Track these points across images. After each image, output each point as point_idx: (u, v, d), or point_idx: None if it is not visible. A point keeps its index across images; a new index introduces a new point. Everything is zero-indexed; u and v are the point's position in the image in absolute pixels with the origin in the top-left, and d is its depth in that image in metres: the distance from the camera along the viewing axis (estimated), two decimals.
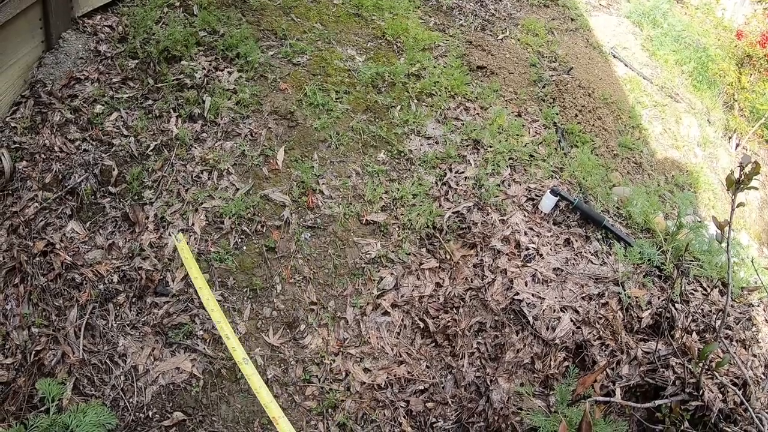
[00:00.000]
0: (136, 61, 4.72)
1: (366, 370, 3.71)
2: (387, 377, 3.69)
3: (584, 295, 3.86)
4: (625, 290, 3.89)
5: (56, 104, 4.34)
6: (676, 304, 3.87)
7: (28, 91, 4.39)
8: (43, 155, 4.12)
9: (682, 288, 3.93)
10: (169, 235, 3.97)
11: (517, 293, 3.83)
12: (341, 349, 3.75)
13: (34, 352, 3.52)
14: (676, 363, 3.55)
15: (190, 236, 3.96)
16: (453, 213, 4.30)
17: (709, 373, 3.44)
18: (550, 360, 3.64)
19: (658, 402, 3.40)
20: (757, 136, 7.20)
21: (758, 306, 4.09)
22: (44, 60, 4.53)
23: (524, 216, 4.27)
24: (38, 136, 4.19)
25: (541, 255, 4.05)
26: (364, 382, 3.65)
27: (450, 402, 3.67)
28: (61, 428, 2.98)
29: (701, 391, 3.38)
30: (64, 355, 3.54)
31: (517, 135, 4.92)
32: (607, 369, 3.62)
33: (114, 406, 3.44)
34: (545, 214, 4.33)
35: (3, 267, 3.73)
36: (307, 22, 5.55)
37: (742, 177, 2.80)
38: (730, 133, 7.13)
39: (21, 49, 4.32)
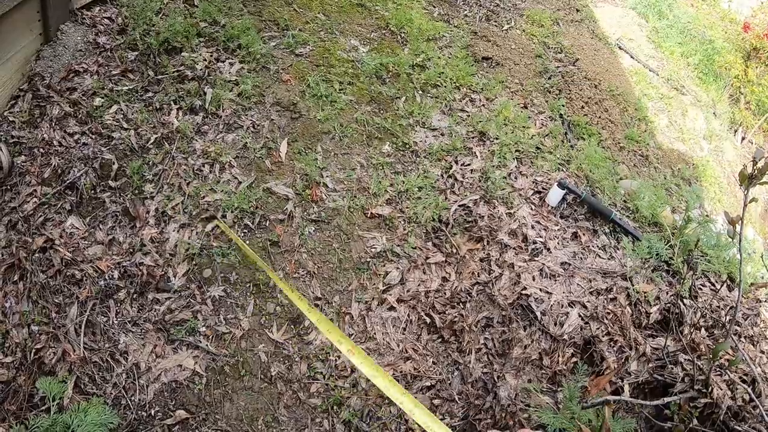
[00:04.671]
0: (136, 52, 4.65)
1: None
2: (393, 374, 3.63)
3: (592, 289, 3.81)
4: (633, 285, 3.84)
5: (55, 98, 4.28)
6: (685, 300, 3.83)
7: (27, 84, 4.32)
8: (41, 150, 4.06)
9: (691, 283, 3.89)
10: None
11: (525, 288, 3.78)
12: None
13: (34, 351, 3.46)
14: (685, 359, 3.51)
15: (191, 231, 3.90)
16: (459, 206, 4.25)
17: (717, 370, 3.40)
18: (558, 356, 3.60)
19: (667, 399, 3.36)
20: (762, 129, 7.17)
21: (767, 302, 4.05)
22: (42, 53, 4.46)
23: (531, 209, 4.21)
24: (37, 130, 4.13)
25: (548, 249, 3.99)
26: (370, 379, 3.60)
27: (457, 398, 3.63)
28: (62, 428, 2.95)
29: (710, 389, 3.33)
30: (65, 353, 3.48)
31: (524, 127, 4.87)
32: (616, 365, 3.58)
33: (116, 405, 3.39)
34: (552, 207, 4.28)
35: (2, 264, 3.67)
36: (309, 12, 5.48)
37: (756, 172, 2.75)
38: (736, 127, 7.10)
39: (19, 42, 4.26)
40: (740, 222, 2.93)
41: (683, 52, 7.27)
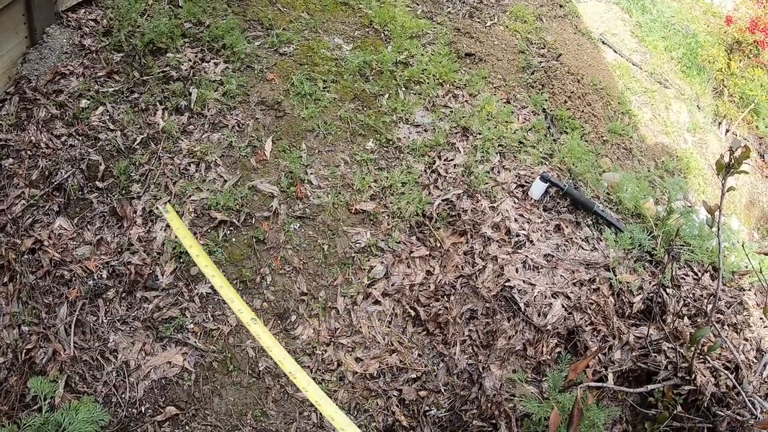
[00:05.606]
0: (122, 54, 4.68)
1: (358, 359, 3.70)
2: (379, 366, 3.68)
3: (575, 280, 3.86)
4: (616, 275, 3.89)
5: (41, 100, 4.30)
6: (668, 289, 3.87)
7: (13, 87, 4.34)
8: (29, 152, 4.08)
9: (673, 273, 3.94)
10: (156, 208, 3.97)
11: (508, 280, 3.82)
12: (333, 339, 3.74)
13: (24, 351, 3.49)
14: (668, 348, 3.56)
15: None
16: (442, 200, 4.29)
17: (701, 357, 3.45)
18: (542, 346, 3.64)
19: (650, 387, 3.40)
20: (746, 121, 7.23)
21: (749, 290, 4.10)
22: (28, 56, 4.49)
23: (514, 203, 4.26)
24: (24, 132, 4.15)
25: (531, 241, 4.04)
26: (357, 372, 3.64)
27: (443, 390, 3.67)
28: (53, 426, 2.96)
29: (693, 376, 3.38)
30: (55, 352, 3.51)
31: (506, 122, 4.91)
32: (600, 354, 3.62)
33: (106, 403, 3.41)
34: (535, 200, 4.32)
35: None
36: (293, 11, 5.51)
37: (732, 161, 2.79)
38: (719, 119, 7.15)
39: (4, 46, 4.27)
40: (719, 210, 2.98)
41: (667, 46, 7.33)
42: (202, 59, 4.80)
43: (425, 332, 3.84)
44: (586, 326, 3.70)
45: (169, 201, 4.00)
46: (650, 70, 6.79)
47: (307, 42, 5.22)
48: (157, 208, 3.97)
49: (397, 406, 3.59)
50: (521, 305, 3.73)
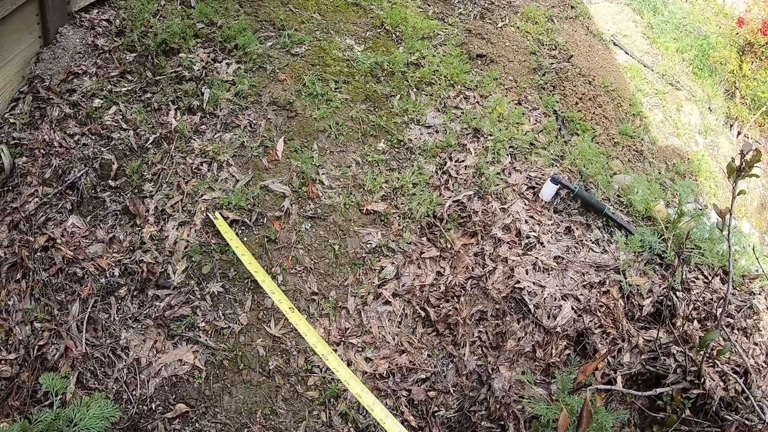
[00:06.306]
0: (134, 54, 4.71)
1: (367, 359, 3.71)
2: (388, 366, 3.69)
3: (585, 283, 3.86)
4: (626, 278, 3.88)
5: (55, 99, 4.34)
6: (678, 292, 3.87)
7: (27, 86, 4.38)
8: (42, 150, 4.11)
9: (683, 276, 3.93)
10: (206, 214, 4.04)
11: (518, 281, 3.82)
12: (343, 339, 3.76)
13: (36, 347, 3.53)
14: (678, 351, 3.55)
15: (190, 228, 3.96)
16: (453, 202, 4.30)
17: (710, 361, 3.44)
18: (552, 348, 3.65)
19: (659, 390, 3.40)
20: (758, 124, 7.20)
21: (760, 294, 4.08)
22: (42, 55, 4.52)
23: (525, 204, 4.26)
24: (37, 131, 4.19)
25: (542, 243, 4.04)
26: (366, 372, 3.66)
27: (452, 391, 3.68)
28: (65, 422, 2.97)
29: (702, 380, 3.37)
30: (67, 349, 3.55)
31: (518, 123, 4.91)
32: (609, 357, 3.62)
33: (117, 399, 3.45)
34: (546, 202, 4.32)
35: (4, 263, 3.73)
36: (305, 12, 5.53)
37: (743, 164, 2.79)
38: (731, 121, 7.12)
39: (18, 45, 4.31)
40: (729, 214, 2.98)
41: (678, 47, 7.30)
42: (215, 59, 4.83)
43: (435, 333, 3.86)
44: (596, 329, 3.70)
45: (215, 209, 4.06)
46: (662, 71, 6.77)
47: (318, 43, 5.23)
48: (207, 215, 4.04)
49: (406, 406, 3.60)
50: (531, 307, 3.74)
